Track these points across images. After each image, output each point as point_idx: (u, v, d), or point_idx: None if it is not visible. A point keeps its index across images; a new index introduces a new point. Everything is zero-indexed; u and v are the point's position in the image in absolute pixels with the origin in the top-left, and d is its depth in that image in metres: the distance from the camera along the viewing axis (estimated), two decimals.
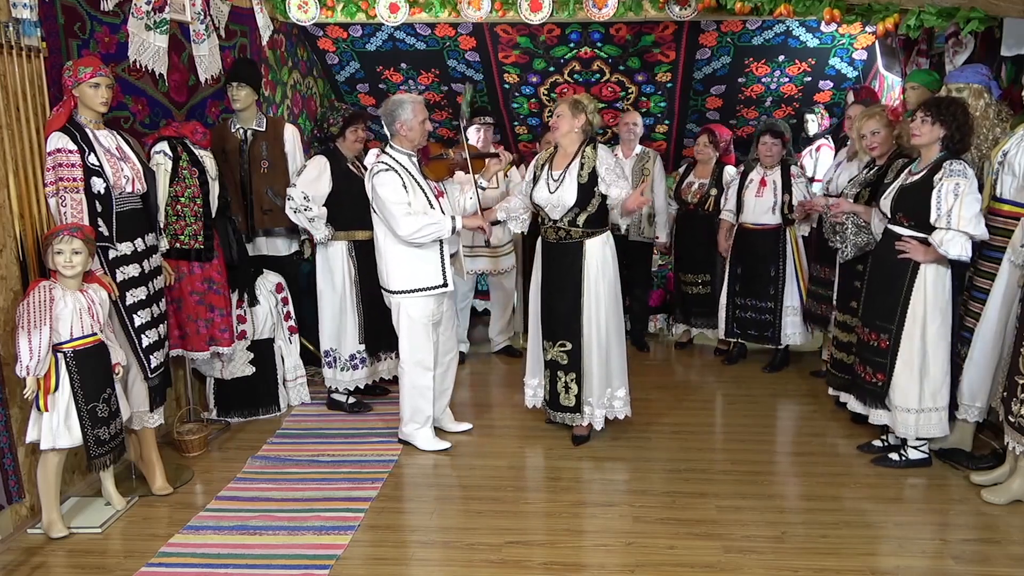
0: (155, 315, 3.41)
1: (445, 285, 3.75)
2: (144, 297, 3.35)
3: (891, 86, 5.37)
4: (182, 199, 3.72)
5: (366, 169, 4.19)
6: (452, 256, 3.83)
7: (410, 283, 3.72)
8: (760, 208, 4.86)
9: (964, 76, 3.79)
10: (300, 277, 4.82)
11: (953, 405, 3.57)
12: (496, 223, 4.02)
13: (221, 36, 4.49)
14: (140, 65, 3.83)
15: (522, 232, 4.15)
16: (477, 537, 3.05)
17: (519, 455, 3.89)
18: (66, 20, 3.38)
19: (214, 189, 3.88)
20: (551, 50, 5.55)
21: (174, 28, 4.07)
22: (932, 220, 3.31)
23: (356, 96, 6.20)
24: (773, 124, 5.03)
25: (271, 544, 3.00)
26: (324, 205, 4.12)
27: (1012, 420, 3.14)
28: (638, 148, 5.35)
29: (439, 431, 3.99)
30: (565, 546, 2.98)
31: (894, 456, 3.64)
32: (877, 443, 3.77)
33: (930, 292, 3.42)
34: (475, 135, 5.10)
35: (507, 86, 5.97)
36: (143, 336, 3.34)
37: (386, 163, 3.67)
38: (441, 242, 3.71)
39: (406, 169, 3.69)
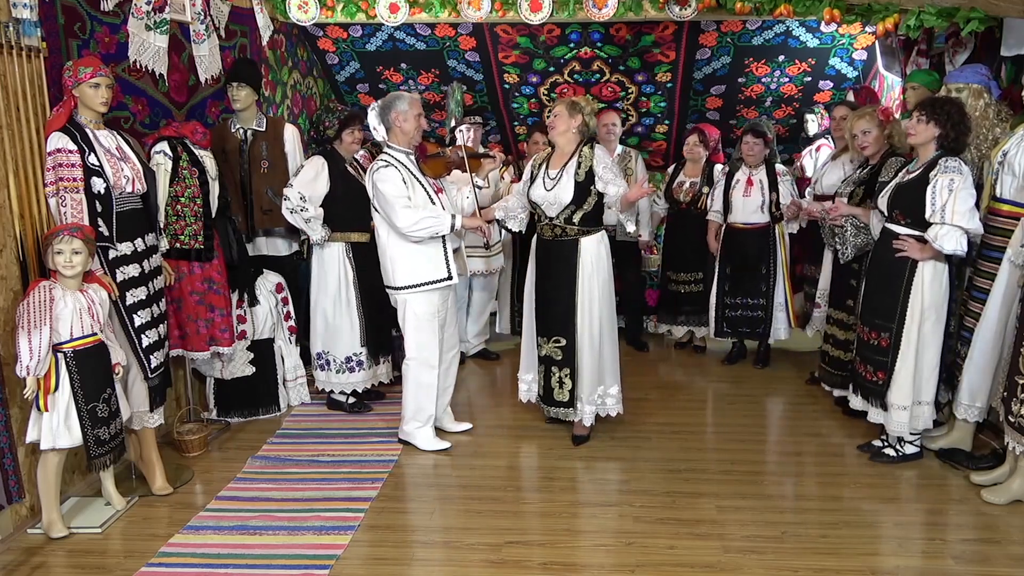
0: (155, 315, 3.41)
1: (450, 278, 3.76)
2: (144, 297, 3.35)
3: (891, 86, 5.38)
4: (182, 199, 3.72)
5: (364, 170, 4.20)
6: (455, 252, 3.83)
7: (415, 278, 3.73)
8: (749, 207, 4.89)
9: (963, 76, 3.79)
10: (300, 277, 4.81)
11: (951, 403, 3.59)
12: (489, 222, 4.03)
13: (221, 36, 4.49)
14: (140, 65, 3.83)
15: (519, 231, 4.16)
16: (477, 537, 3.05)
17: (519, 455, 3.90)
18: (66, 20, 3.38)
19: (214, 189, 3.88)
20: (551, 50, 5.55)
21: (174, 28, 4.07)
22: (927, 216, 3.33)
23: (356, 96, 6.21)
24: (756, 124, 5.11)
25: (271, 544, 3.00)
26: (321, 206, 4.11)
27: (1012, 420, 3.14)
28: (619, 148, 5.36)
29: (439, 431, 3.99)
30: (565, 546, 2.98)
31: (890, 452, 3.66)
32: (877, 443, 3.77)
33: (928, 290, 3.43)
34: (464, 135, 5.09)
35: (507, 86, 5.97)
36: (143, 336, 3.34)
37: (386, 160, 3.71)
38: (443, 236, 3.72)
39: (405, 167, 3.72)
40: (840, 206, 3.97)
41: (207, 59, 4.34)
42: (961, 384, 3.57)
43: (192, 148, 3.79)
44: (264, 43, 4.98)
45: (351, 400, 4.41)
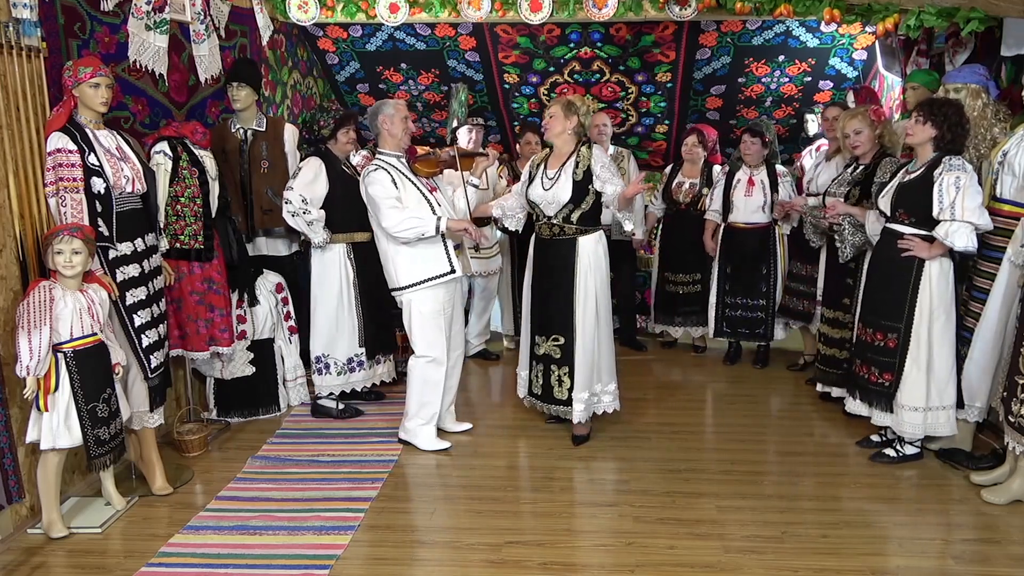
0: (155, 315, 3.41)
1: (453, 271, 3.77)
2: (144, 297, 3.35)
3: (891, 86, 5.38)
4: (182, 199, 3.72)
5: (357, 172, 4.20)
6: (456, 248, 3.84)
7: (418, 275, 3.75)
8: (750, 207, 4.89)
9: (962, 76, 3.80)
10: (300, 277, 4.81)
11: (959, 404, 3.58)
12: (484, 223, 4.03)
13: (221, 36, 4.49)
14: (140, 65, 3.83)
15: (516, 231, 4.16)
16: (477, 537, 3.05)
17: (519, 455, 3.90)
18: (66, 20, 3.38)
19: (214, 189, 3.88)
20: (551, 50, 5.56)
21: (174, 28, 4.07)
22: (935, 214, 3.34)
23: (356, 96, 6.21)
24: (755, 124, 5.16)
25: (271, 544, 3.00)
26: (321, 207, 4.09)
27: (1012, 420, 3.14)
28: (611, 148, 5.36)
29: (439, 431, 3.99)
30: (565, 546, 2.98)
31: (890, 452, 3.66)
32: (875, 438, 3.78)
33: (935, 289, 3.44)
34: (466, 136, 5.09)
35: (507, 86, 5.98)
36: (143, 336, 3.34)
37: (376, 164, 3.77)
38: (441, 234, 3.73)
39: (396, 168, 3.77)
40: (837, 205, 3.98)
41: (207, 59, 4.34)
42: (961, 384, 3.57)
43: (192, 148, 3.79)
44: (264, 43, 4.98)
45: (340, 406, 4.34)
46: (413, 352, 3.87)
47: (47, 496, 3.06)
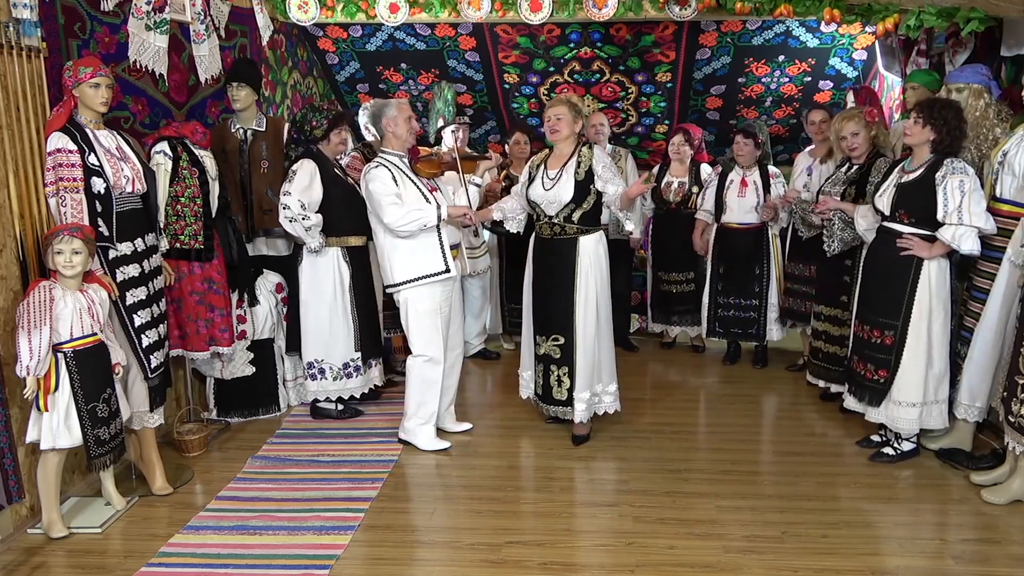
0: (155, 315, 3.41)
1: (447, 271, 3.77)
2: (144, 297, 3.35)
3: (891, 86, 5.38)
4: (182, 199, 3.72)
5: (347, 173, 4.19)
6: (454, 248, 3.84)
7: (413, 272, 3.75)
8: (743, 208, 4.91)
9: (964, 76, 3.80)
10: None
11: (951, 403, 3.60)
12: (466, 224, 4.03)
13: (221, 36, 4.49)
14: (140, 65, 3.83)
15: (518, 232, 4.16)
16: (477, 537, 3.05)
17: (519, 455, 3.90)
18: (66, 20, 3.38)
19: (214, 189, 3.88)
20: (551, 50, 5.56)
21: (174, 28, 4.07)
22: (940, 217, 3.36)
23: (356, 96, 6.21)
24: (748, 125, 5.18)
25: (271, 544, 3.00)
26: (317, 212, 4.04)
27: (1012, 420, 3.14)
28: (608, 148, 5.35)
29: (439, 431, 3.99)
30: (565, 546, 2.98)
31: (888, 451, 3.67)
32: (875, 438, 3.79)
33: (935, 287, 3.46)
34: (451, 137, 5.06)
35: (507, 86, 5.98)
36: (143, 336, 3.34)
37: (378, 161, 3.79)
38: (439, 230, 3.74)
39: (397, 167, 3.77)
40: (828, 200, 4.02)
41: (207, 59, 4.34)
42: (961, 384, 3.58)
43: (192, 148, 3.79)
44: (264, 43, 4.98)
45: (339, 407, 4.34)
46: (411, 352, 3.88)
47: (47, 496, 3.06)
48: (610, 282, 3.92)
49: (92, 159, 3.13)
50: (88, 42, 3.52)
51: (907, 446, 3.65)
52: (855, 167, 4.09)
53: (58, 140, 3.09)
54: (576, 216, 3.75)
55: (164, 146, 3.69)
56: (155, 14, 3.86)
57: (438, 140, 5.05)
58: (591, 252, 3.77)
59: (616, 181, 3.75)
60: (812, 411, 4.37)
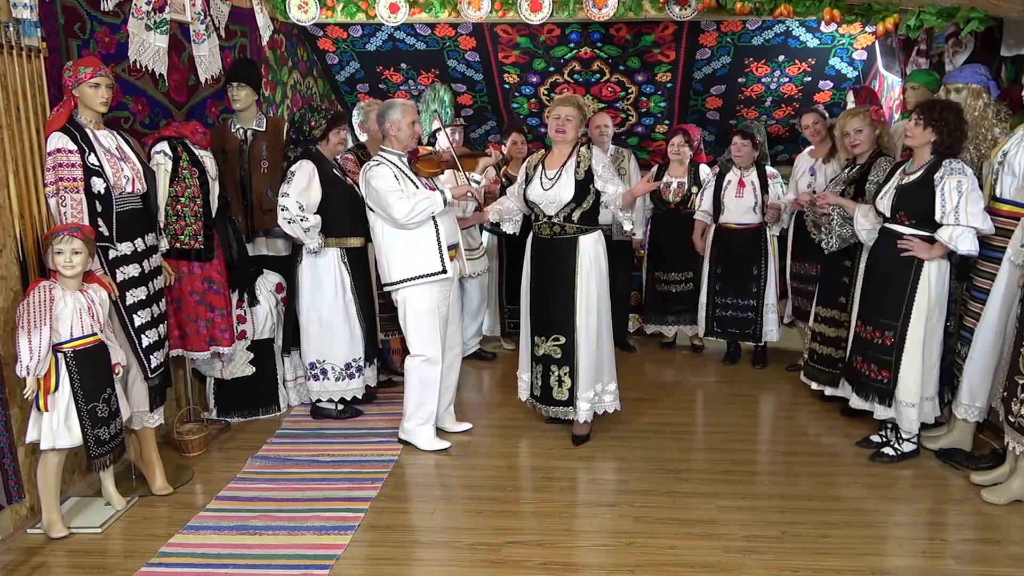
0: (155, 315, 3.41)
1: (444, 272, 3.77)
2: (144, 297, 3.35)
3: (891, 86, 5.38)
4: (182, 199, 3.72)
5: (346, 174, 4.19)
6: (452, 248, 3.84)
7: (410, 271, 3.75)
8: (741, 208, 4.92)
9: (963, 76, 3.80)
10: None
11: (951, 403, 3.62)
12: (466, 221, 4.05)
13: (221, 36, 4.49)
14: (140, 65, 3.83)
15: (514, 233, 4.16)
16: (477, 537, 3.05)
17: (518, 455, 3.90)
18: (66, 20, 3.38)
19: (214, 189, 3.88)
20: (551, 50, 5.56)
21: (174, 28, 4.07)
22: (938, 217, 3.36)
23: (356, 96, 6.21)
24: (746, 126, 5.24)
25: (271, 544, 3.00)
26: (315, 213, 4.03)
27: (1012, 420, 3.14)
28: (611, 148, 5.36)
29: (439, 431, 3.99)
30: (565, 546, 2.98)
31: (888, 451, 3.67)
32: (875, 438, 3.79)
33: (934, 288, 3.47)
34: (449, 138, 5.05)
35: (507, 86, 5.98)
36: (143, 336, 3.34)
37: (378, 159, 3.78)
38: (437, 230, 3.74)
39: (397, 166, 3.78)
40: (828, 195, 4.03)
41: (207, 59, 4.34)
42: (961, 384, 3.58)
43: (192, 148, 3.79)
44: (264, 43, 4.98)
45: (340, 407, 4.34)
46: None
47: (47, 496, 3.06)
48: (610, 282, 3.92)
49: (92, 159, 3.13)
50: (88, 42, 3.52)
51: (907, 446, 3.65)
52: (856, 167, 4.09)
53: (58, 140, 3.09)
54: (576, 216, 3.75)
55: (164, 146, 3.69)
56: (155, 14, 3.86)
57: (432, 141, 5.05)
58: (591, 251, 3.78)
59: (615, 181, 3.76)
60: (812, 411, 4.37)
